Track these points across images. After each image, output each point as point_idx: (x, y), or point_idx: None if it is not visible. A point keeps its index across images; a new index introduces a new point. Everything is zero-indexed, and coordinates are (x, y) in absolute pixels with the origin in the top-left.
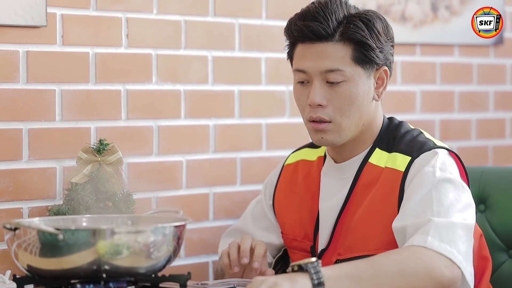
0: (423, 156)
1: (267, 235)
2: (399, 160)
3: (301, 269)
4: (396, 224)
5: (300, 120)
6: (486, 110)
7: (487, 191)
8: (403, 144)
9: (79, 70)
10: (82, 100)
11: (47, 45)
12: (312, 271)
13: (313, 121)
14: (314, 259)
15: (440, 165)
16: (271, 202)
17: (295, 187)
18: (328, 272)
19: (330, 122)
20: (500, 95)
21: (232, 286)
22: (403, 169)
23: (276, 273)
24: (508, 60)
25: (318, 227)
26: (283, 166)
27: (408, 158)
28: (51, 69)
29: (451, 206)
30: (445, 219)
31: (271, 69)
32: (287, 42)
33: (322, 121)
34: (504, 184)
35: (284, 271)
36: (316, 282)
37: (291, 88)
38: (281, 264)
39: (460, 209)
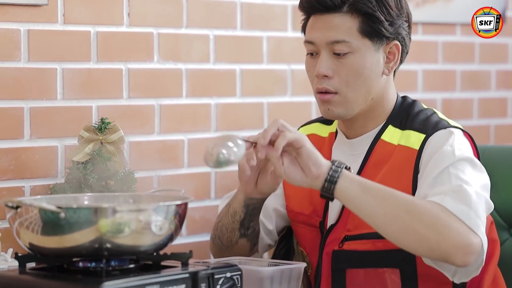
0: (438, 134)
1: (273, 199)
2: (413, 138)
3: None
4: None
5: (301, 99)
6: (488, 89)
7: (489, 170)
8: (417, 122)
9: (81, 49)
10: (84, 78)
11: (48, 24)
12: (333, 167)
13: (320, 92)
14: (348, 166)
15: (458, 144)
16: None
17: None
18: (345, 172)
19: (336, 93)
20: (502, 74)
21: (234, 264)
22: (417, 147)
23: (279, 252)
24: (510, 39)
25: (328, 202)
26: None
27: (422, 136)
28: (53, 48)
29: (469, 181)
30: (468, 187)
31: (272, 48)
32: (303, 17)
33: (327, 92)
34: (506, 163)
35: (288, 250)
36: (329, 177)
37: (292, 67)
38: (285, 242)
39: (480, 187)
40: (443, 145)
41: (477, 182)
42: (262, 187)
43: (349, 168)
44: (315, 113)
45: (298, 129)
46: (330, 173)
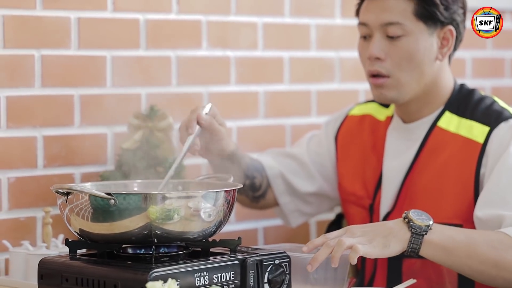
0: (502, 127)
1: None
2: (476, 130)
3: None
4: (486, 211)
5: (349, 86)
6: None
7: None
8: (479, 112)
9: (130, 36)
10: (133, 66)
11: (98, 11)
12: (411, 245)
13: (372, 76)
14: (431, 222)
15: None
16: (334, 150)
17: (358, 141)
18: (425, 241)
19: (388, 77)
20: None
21: (283, 251)
22: (481, 141)
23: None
24: None
25: (379, 186)
26: (346, 115)
27: (486, 129)
28: (102, 36)
29: None
30: None
31: (321, 35)
32: (357, 0)
33: (380, 75)
34: None
35: None
36: (410, 250)
37: (341, 54)
38: (334, 228)
39: None
40: (509, 144)
41: None
42: (210, 153)
43: (430, 226)
44: (363, 101)
45: (356, 106)
46: (409, 251)
